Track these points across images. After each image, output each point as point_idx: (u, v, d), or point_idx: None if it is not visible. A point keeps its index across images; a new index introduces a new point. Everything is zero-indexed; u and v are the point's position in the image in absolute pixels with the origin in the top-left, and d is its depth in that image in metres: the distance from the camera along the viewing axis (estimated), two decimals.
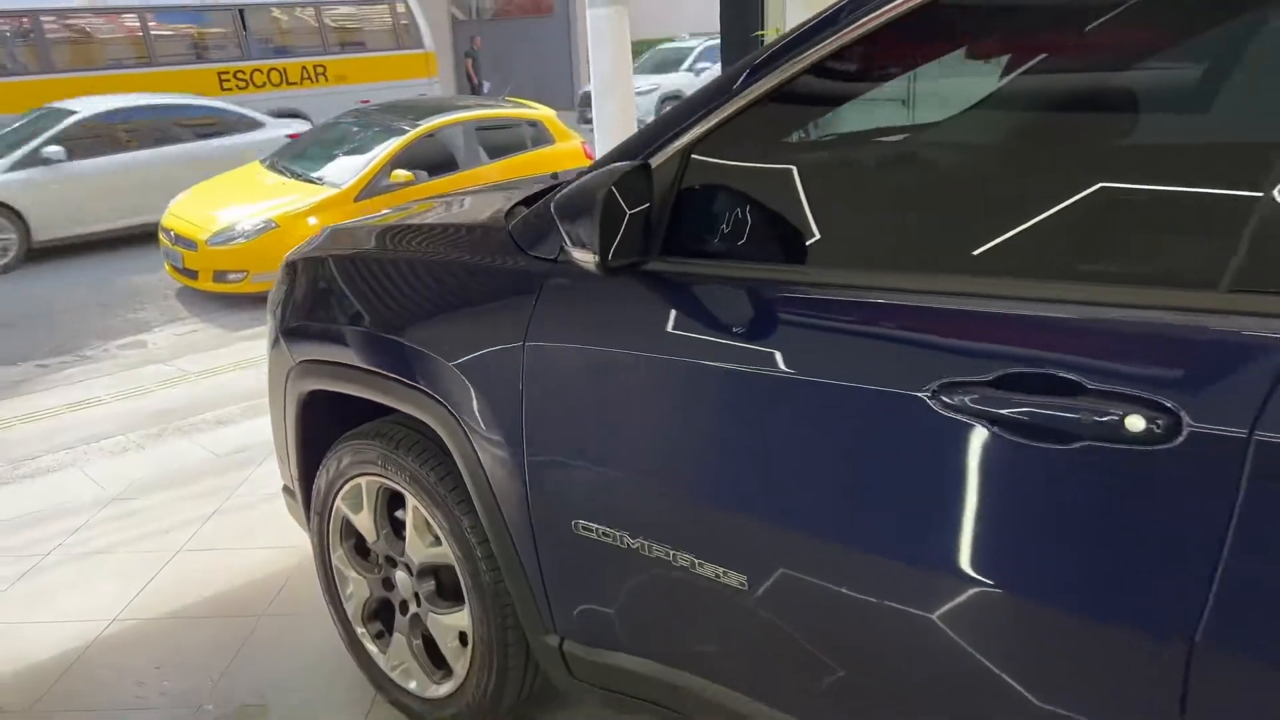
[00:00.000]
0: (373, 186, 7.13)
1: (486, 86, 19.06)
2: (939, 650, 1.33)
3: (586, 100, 13.76)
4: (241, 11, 14.64)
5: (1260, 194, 1.10)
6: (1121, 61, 1.32)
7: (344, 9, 15.87)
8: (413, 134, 7.43)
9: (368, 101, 10.65)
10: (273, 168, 7.77)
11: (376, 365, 2.05)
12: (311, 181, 7.27)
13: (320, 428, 2.34)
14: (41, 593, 3.03)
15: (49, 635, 2.76)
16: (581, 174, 1.66)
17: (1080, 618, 1.19)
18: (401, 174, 7.15)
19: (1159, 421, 1.10)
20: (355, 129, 7.93)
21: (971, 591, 1.28)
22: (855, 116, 1.60)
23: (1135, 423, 1.11)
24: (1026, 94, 1.44)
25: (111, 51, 13.66)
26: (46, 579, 3.11)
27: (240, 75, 14.55)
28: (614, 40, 9.42)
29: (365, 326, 2.08)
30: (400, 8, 16.13)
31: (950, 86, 1.52)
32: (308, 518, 2.44)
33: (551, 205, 1.66)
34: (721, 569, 1.56)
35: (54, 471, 4.09)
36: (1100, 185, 1.24)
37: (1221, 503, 1.07)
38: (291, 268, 2.38)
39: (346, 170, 7.25)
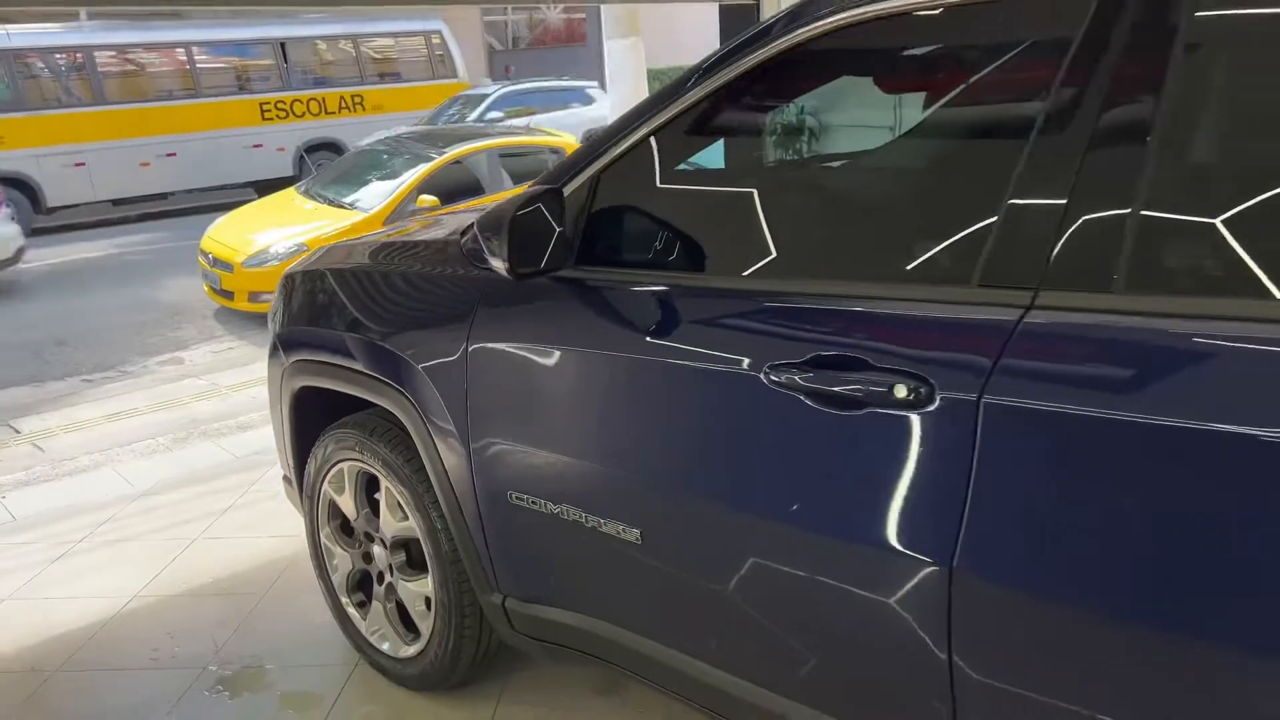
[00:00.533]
0: (400, 211, 7.51)
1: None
2: (787, 588, 1.61)
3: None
4: (283, 45, 15.26)
5: (995, 214, 1.39)
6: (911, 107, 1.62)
7: (381, 41, 16.47)
8: (439, 161, 7.79)
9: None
10: (307, 194, 8.20)
11: (354, 364, 2.37)
12: (343, 207, 7.68)
13: (310, 421, 2.66)
14: (73, 573, 3.38)
15: (78, 608, 3.10)
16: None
17: (868, 548, 1.47)
18: (427, 199, 7.51)
19: (919, 390, 1.38)
20: (385, 156, 8.33)
21: (798, 533, 1.56)
22: (719, 152, 1.90)
23: (901, 391, 1.39)
24: (848, 135, 1.74)
25: (160, 84, 14.32)
26: (78, 561, 3.46)
27: (281, 105, 15.15)
28: (632, 69, 9.83)
29: (346, 330, 2.40)
30: (435, 39, 16.69)
31: (788, 128, 1.82)
32: (302, 502, 2.76)
33: (477, 223, 1.97)
34: (621, 526, 1.84)
35: (89, 470, 4.47)
36: (884, 205, 1.53)
37: (965, 452, 1.34)
38: (289, 280, 2.71)
39: (376, 195, 7.65)
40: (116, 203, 13.74)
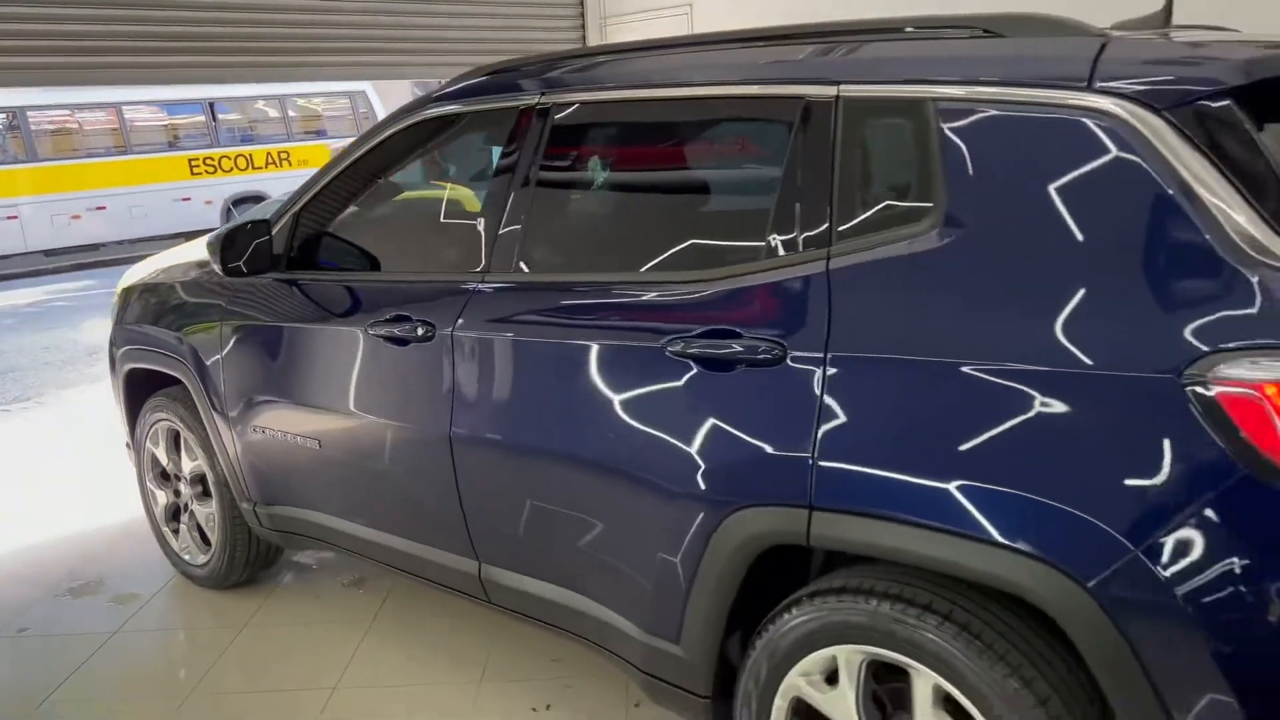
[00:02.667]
0: None
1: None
2: (418, 473, 2.61)
3: None
4: (212, 105, 16.24)
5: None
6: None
7: (307, 101, 17.52)
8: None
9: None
10: None
11: (159, 348, 3.35)
12: None
13: (138, 396, 3.63)
14: None
15: None
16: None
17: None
18: None
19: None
20: None
21: (407, 434, 2.57)
22: (381, 192, 2.93)
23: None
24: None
25: (91, 141, 15.21)
26: None
27: (209, 161, 16.09)
28: None
29: (153, 324, 3.39)
30: (360, 100, 17.78)
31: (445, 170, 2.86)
32: (133, 457, 3.72)
33: (207, 240, 2.98)
34: (310, 440, 2.83)
35: None
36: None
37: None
38: (124, 293, 3.69)
39: None
40: (49, 253, 14.51)
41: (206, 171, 16.07)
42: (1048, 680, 1.59)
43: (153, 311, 3.43)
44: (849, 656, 1.81)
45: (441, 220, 2.79)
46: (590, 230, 2.34)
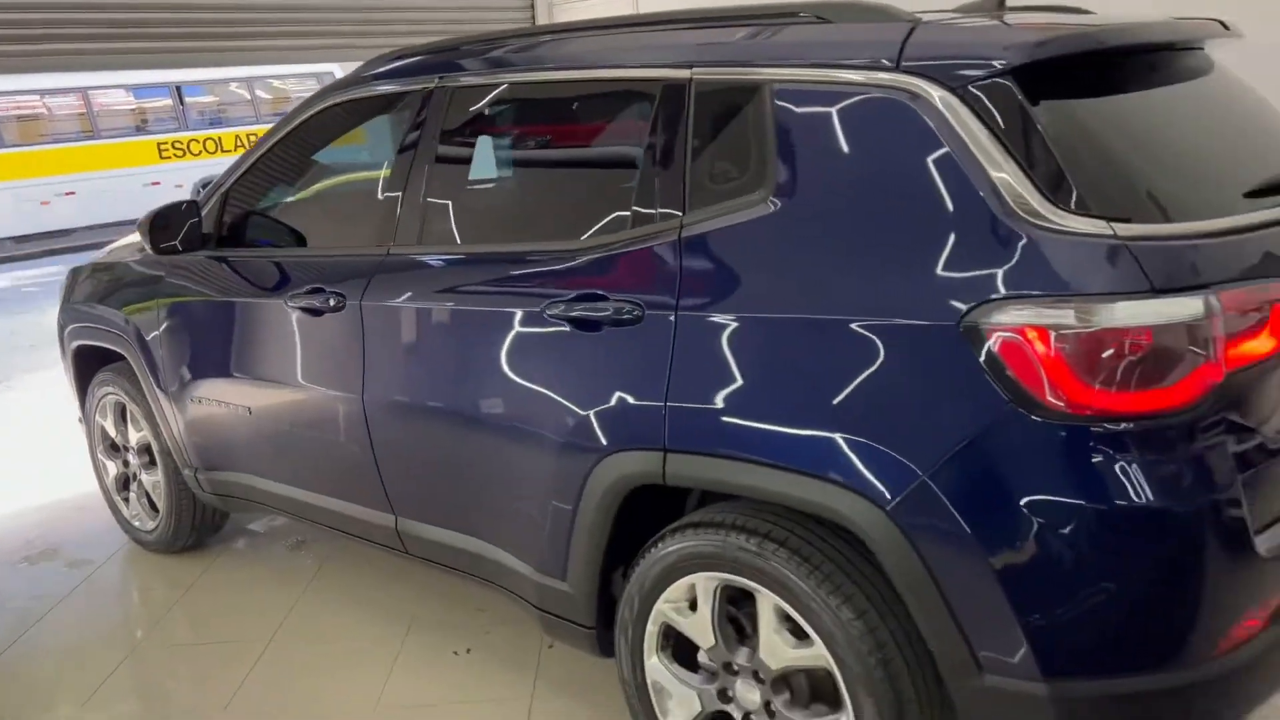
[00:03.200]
0: None
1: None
2: (336, 434, 2.80)
3: None
4: (179, 88, 16.24)
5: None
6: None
7: (275, 82, 17.52)
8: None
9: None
10: None
11: (104, 326, 3.52)
12: None
13: (87, 371, 3.79)
14: None
15: None
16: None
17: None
18: None
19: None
20: None
21: (324, 398, 2.76)
22: (301, 171, 3.10)
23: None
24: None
25: (59, 127, 15.20)
26: None
27: (178, 145, 16.12)
28: None
29: (99, 302, 3.55)
30: (328, 80, 17.78)
31: (345, 155, 3.03)
32: (85, 431, 3.89)
33: (138, 222, 3.15)
34: (248, 408, 3.02)
35: None
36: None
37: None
38: (72, 273, 3.85)
39: None
40: (18, 240, 14.55)
41: (175, 155, 16.09)
42: (867, 597, 1.80)
43: (98, 291, 3.60)
44: (705, 583, 2.02)
45: (355, 198, 2.97)
46: (481, 205, 2.52)
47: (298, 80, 17.53)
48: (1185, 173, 1.80)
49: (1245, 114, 2.05)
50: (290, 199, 3.11)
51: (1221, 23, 2.09)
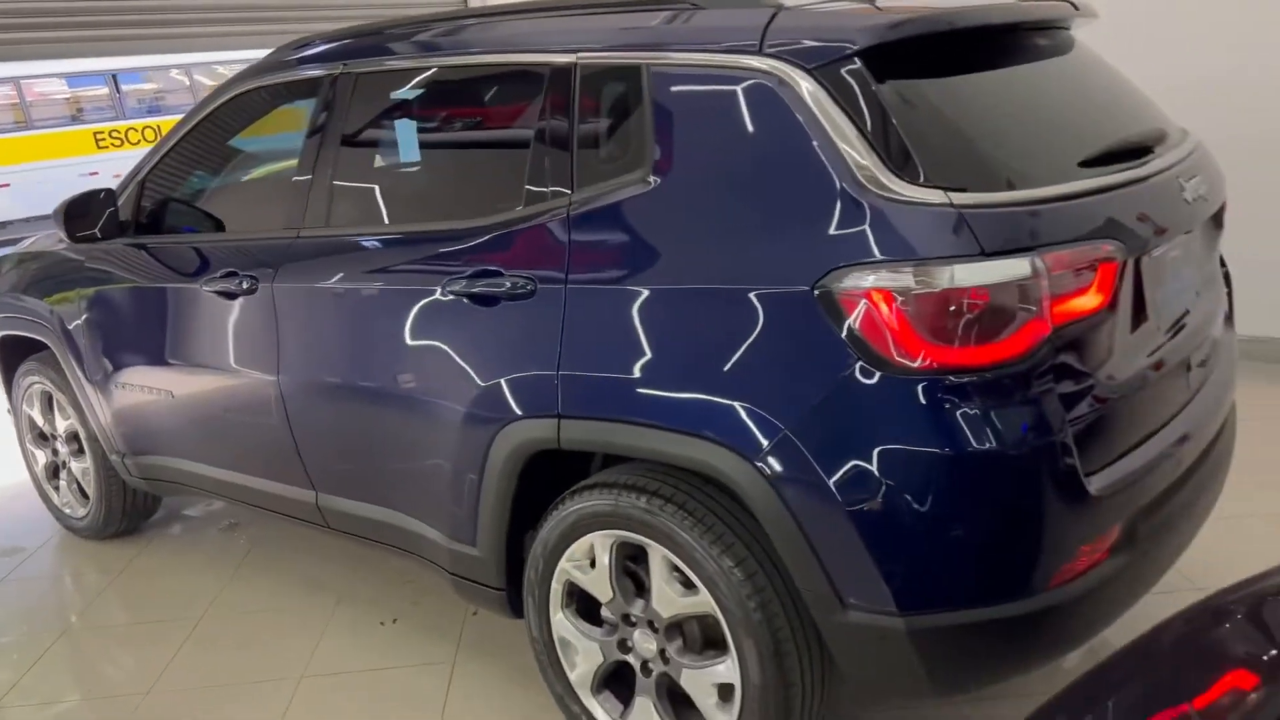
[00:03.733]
0: None
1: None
2: (256, 415, 2.87)
3: None
4: (115, 76, 15.95)
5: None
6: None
7: (220, 68, 17.24)
8: None
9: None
10: None
11: (28, 315, 3.55)
12: None
13: (13, 362, 3.82)
14: None
15: None
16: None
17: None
18: None
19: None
20: None
21: (242, 381, 2.83)
22: (213, 161, 3.16)
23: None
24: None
25: None
26: None
27: (115, 134, 15.84)
28: None
29: (23, 292, 3.58)
30: None
31: (258, 147, 3.09)
32: (15, 423, 3.92)
33: (54, 210, 3.19)
34: (163, 390, 3.08)
35: None
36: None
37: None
38: None
39: None
40: None
41: (113, 144, 15.80)
42: (746, 545, 1.93)
43: (22, 281, 3.63)
44: (602, 541, 2.14)
45: (267, 182, 3.04)
46: (385, 188, 2.61)
47: (234, 68, 17.27)
48: (1026, 145, 1.94)
49: (1095, 90, 2.20)
50: (205, 185, 3.17)
51: (1072, 3, 2.23)
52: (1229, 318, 2.46)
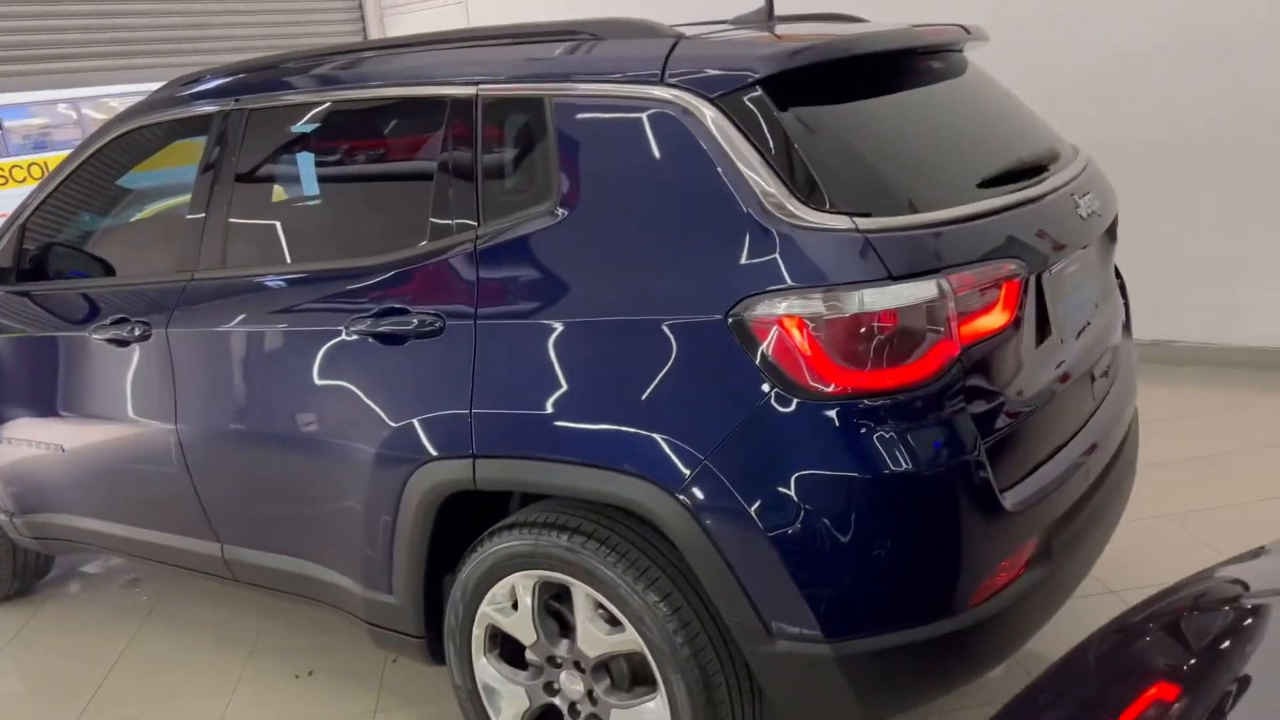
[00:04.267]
0: None
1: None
2: (149, 468, 2.73)
3: None
4: None
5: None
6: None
7: (113, 102, 16.67)
8: None
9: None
10: None
11: None
12: None
13: None
14: None
15: None
16: None
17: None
18: None
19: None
20: None
21: (143, 432, 2.70)
22: (100, 202, 3.02)
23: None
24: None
25: None
26: None
27: None
28: None
29: None
30: None
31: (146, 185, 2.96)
32: None
33: None
34: (61, 446, 2.92)
35: None
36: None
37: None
38: None
39: None
40: None
41: None
42: (670, 580, 1.90)
43: None
44: (523, 582, 2.09)
45: (158, 224, 2.91)
46: (284, 226, 2.52)
47: (124, 102, 16.74)
48: (926, 168, 1.96)
49: (990, 112, 2.26)
50: (93, 227, 3.02)
51: (964, 27, 2.28)
52: (1127, 326, 2.53)
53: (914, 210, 1.79)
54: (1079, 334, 2.13)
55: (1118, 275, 2.56)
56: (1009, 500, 1.80)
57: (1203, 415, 4.02)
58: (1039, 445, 1.94)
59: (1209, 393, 4.20)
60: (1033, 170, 2.07)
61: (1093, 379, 2.16)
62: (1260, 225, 4.19)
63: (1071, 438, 2.05)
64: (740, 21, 2.43)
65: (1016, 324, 1.84)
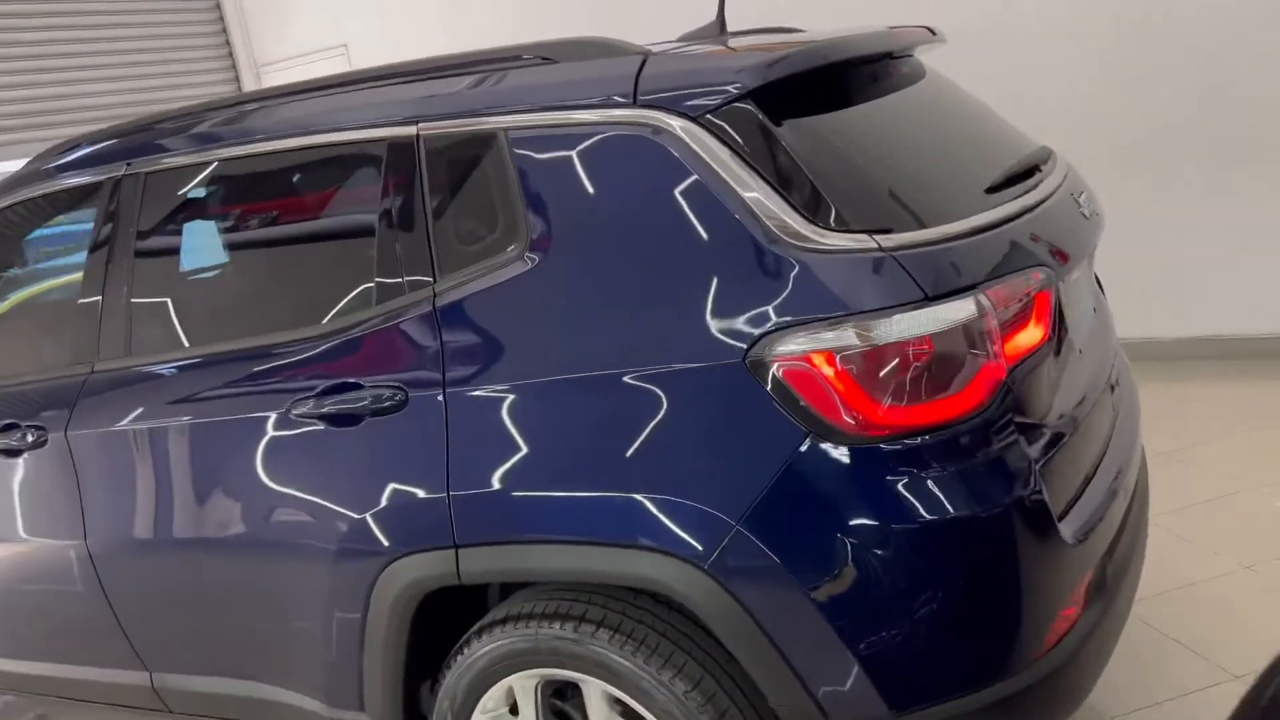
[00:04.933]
0: None
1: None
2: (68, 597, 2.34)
3: None
4: None
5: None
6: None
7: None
8: None
9: None
10: None
11: None
12: None
13: None
14: None
15: None
16: None
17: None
18: None
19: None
20: None
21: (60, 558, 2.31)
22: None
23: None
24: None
25: None
26: None
27: None
28: None
29: None
30: None
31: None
32: None
33: None
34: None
35: None
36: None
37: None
38: None
39: None
40: None
41: None
42: (700, 664, 1.66)
43: None
44: (523, 683, 1.82)
45: (44, 313, 2.54)
46: (199, 301, 2.20)
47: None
48: (931, 176, 1.80)
49: (964, 114, 2.12)
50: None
51: (929, 29, 2.15)
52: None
53: (934, 223, 1.61)
54: (1090, 343, 1.99)
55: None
56: (1067, 531, 1.63)
57: (1158, 409, 3.99)
58: (1081, 466, 1.79)
59: (1160, 387, 4.18)
60: (1029, 172, 1.93)
61: (1112, 389, 2.03)
62: (1203, 218, 4.21)
63: (1104, 455, 1.91)
64: (690, 38, 2.24)
65: (1051, 338, 1.68)
